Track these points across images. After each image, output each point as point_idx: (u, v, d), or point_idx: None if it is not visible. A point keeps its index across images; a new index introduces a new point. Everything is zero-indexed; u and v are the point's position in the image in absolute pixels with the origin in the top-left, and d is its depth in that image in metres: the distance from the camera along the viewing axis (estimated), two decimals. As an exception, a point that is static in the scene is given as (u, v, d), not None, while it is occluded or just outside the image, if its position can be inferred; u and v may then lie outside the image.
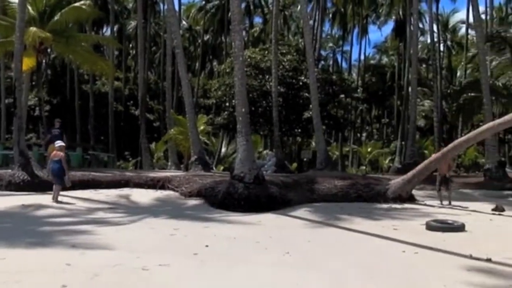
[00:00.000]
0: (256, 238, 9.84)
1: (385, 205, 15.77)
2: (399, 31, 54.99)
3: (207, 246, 8.91)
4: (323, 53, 64.27)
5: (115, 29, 51.13)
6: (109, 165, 29.37)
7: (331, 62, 69.07)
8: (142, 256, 7.89)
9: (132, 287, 6.31)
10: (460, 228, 11.13)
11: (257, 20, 65.95)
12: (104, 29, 57.55)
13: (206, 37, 60.59)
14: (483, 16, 40.56)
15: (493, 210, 14.77)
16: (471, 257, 8.16)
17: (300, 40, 52.32)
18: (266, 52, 37.89)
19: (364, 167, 53.60)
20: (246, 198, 14.68)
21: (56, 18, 24.43)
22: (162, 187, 17.98)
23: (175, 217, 12.85)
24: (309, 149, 44.72)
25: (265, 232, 10.78)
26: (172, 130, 29.07)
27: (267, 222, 12.37)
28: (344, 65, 69.84)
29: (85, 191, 16.77)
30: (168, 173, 21.41)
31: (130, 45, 61.82)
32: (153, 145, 43.60)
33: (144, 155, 33.39)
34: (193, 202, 15.78)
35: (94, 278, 6.56)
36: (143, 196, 16.54)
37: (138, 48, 37.84)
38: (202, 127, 29.53)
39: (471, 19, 44.88)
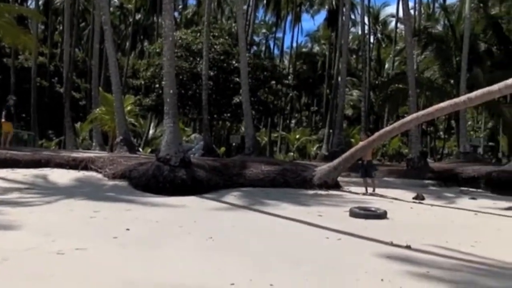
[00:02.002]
0: (179, 222, 9.63)
1: (311, 192, 15.88)
2: (331, 21, 55.63)
3: (128, 229, 8.62)
4: (255, 38, 64.27)
5: (41, 1, 48.91)
6: (29, 143, 28.17)
7: (263, 48, 69.19)
8: (57, 239, 7.55)
9: (44, 273, 5.94)
10: (382, 215, 11.32)
11: (191, 2, 65.12)
12: (29, 1, 54.90)
13: (137, 16, 59.08)
14: (411, 12, 41.64)
15: (414, 198, 15.20)
16: (391, 244, 8.29)
17: (233, 25, 51.94)
18: (198, 34, 37.38)
19: (292, 154, 54.18)
20: (171, 181, 14.41)
21: (-28, -15, 23.03)
22: (85, 168, 17.29)
23: (96, 199, 12.42)
24: (238, 134, 44.66)
25: (189, 216, 10.57)
26: (97, 109, 28.15)
27: (192, 206, 12.17)
28: (276, 51, 70.11)
29: (1, 170, 15.91)
30: (91, 154, 20.72)
31: (58, 20, 59.37)
32: (78, 125, 42.26)
33: (68, 134, 32.27)
34: (116, 183, 15.28)
35: (2, 262, 6.19)
36: (63, 176, 15.87)
37: (65, 24, 36.38)
38: (129, 108, 28.69)
39: (400, 14, 46.17)
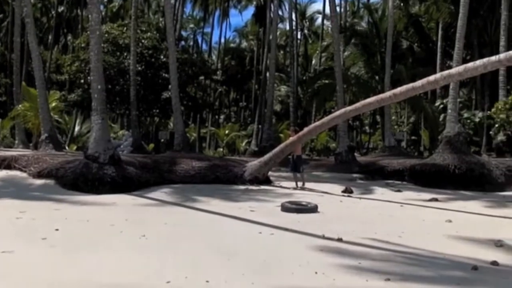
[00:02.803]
0: (111, 221, 9.44)
1: (242, 187, 15.99)
2: (259, 16, 55.83)
3: (57, 230, 8.38)
4: (183, 33, 63.58)
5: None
6: None
7: (191, 43, 68.60)
8: (-19, 242, 7.22)
9: (-32, 277, 5.69)
10: (313, 209, 11.53)
11: (117, -5, 63.53)
12: None
13: (60, 9, 57.09)
14: (337, 9, 42.48)
15: (343, 192, 15.57)
16: (323, 237, 8.46)
17: (161, 19, 51.33)
18: (125, 28, 36.64)
19: (221, 149, 54.15)
20: (100, 179, 14.13)
21: None
22: (8, 167, 16.67)
23: (22, 198, 12.02)
24: (167, 130, 44.18)
25: (120, 214, 10.39)
26: (20, 105, 27.09)
27: (123, 204, 11.98)
28: (204, 47, 69.80)
29: None
30: (14, 152, 19.95)
31: (-28, 12, 56.50)
32: (-2, 122, 40.49)
33: (-13, 132, 30.91)
34: (42, 182, 14.80)
35: None
36: (-16, 176, 15.23)
37: (-18, 16, 34.74)
38: (54, 104, 27.81)
39: (327, 10, 47.08)
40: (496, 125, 26.14)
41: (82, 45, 36.34)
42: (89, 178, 14.14)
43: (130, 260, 6.74)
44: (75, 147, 40.32)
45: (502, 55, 11.63)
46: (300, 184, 16.72)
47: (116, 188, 13.90)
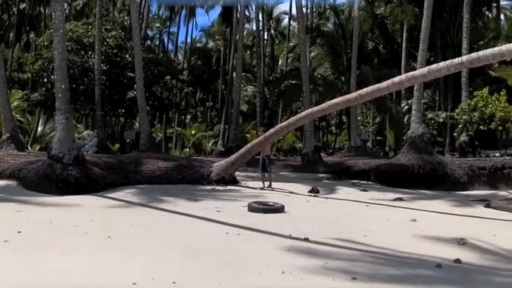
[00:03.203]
0: (75, 222, 9.30)
1: (208, 187, 15.96)
2: (226, 16, 55.71)
3: (20, 232, 8.23)
4: (149, 33, 63.01)
5: None
6: None
7: (157, 43, 68.00)
8: None
9: None
10: (280, 209, 11.57)
11: (81, -7, 62.53)
12: None
13: (22, 6, 55.96)
14: (304, 10, 42.68)
15: (309, 192, 15.65)
16: (290, 237, 8.51)
17: (126, 18, 50.78)
18: (90, 27, 36.07)
19: (188, 150, 53.87)
20: (64, 180, 13.91)
21: None
22: (-32, 168, 16.24)
23: (-18, 200, 11.71)
24: (133, 130, 43.72)
25: (85, 216, 10.23)
26: (-20, 105, 26.46)
27: (88, 205, 11.79)
28: (170, 46, 69.27)
29: None
30: (-25, 152, 19.48)
31: None
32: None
33: None
34: (4, 184, 14.49)
35: None
36: None
37: None
38: (16, 103, 27.28)
39: (293, 11, 47.30)
40: (460, 126, 26.65)
41: (45, 43, 35.67)
42: (52, 179, 13.91)
43: (95, 261, 6.65)
44: (38, 147, 39.56)
45: (464, 58, 11.89)
46: (267, 184, 16.76)
47: (80, 189, 13.69)
